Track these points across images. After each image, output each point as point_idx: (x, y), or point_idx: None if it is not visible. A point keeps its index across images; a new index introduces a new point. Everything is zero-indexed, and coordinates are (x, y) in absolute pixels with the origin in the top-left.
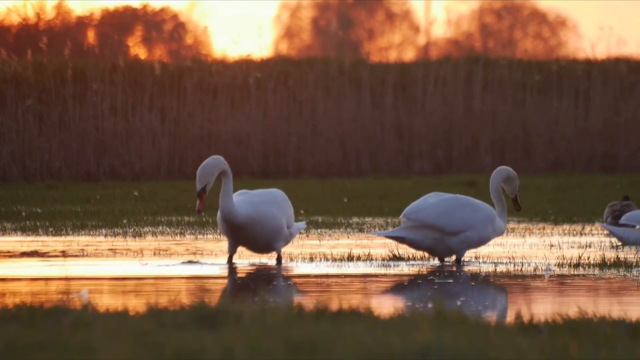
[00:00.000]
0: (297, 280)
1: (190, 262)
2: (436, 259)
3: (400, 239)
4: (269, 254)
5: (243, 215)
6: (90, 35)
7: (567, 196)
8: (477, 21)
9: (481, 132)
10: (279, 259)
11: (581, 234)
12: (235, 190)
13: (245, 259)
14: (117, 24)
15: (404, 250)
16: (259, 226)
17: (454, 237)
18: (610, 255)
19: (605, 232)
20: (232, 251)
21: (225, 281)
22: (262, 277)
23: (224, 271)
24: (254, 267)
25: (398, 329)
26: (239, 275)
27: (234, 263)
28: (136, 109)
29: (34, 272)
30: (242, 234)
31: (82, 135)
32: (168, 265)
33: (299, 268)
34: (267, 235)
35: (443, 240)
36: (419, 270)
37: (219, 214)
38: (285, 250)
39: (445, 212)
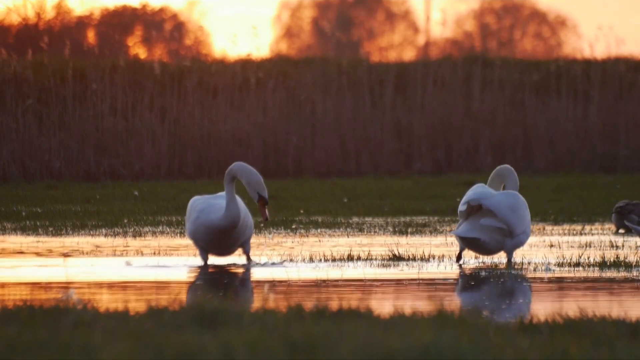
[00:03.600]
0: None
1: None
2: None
3: (474, 240)
4: (232, 255)
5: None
6: (90, 35)
7: (567, 196)
8: (476, 21)
9: (481, 132)
10: (248, 258)
11: (581, 234)
12: (195, 195)
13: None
14: (117, 23)
15: (404, 250)
16: (243, 224)
17: (514, 238)
18: (610, 255)
19: (606, 231)
20: (205, 257)
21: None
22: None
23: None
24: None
25: (398, 329)
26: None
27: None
28: (136, 109)
29: (29, 272)
30: (226, 236)
31: (82, 135)
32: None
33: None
34: (246, 233)
35: (503, 240)
36: (418, 270)
37: (211, 221)
38: (285, 250)
39: (513, 208)
